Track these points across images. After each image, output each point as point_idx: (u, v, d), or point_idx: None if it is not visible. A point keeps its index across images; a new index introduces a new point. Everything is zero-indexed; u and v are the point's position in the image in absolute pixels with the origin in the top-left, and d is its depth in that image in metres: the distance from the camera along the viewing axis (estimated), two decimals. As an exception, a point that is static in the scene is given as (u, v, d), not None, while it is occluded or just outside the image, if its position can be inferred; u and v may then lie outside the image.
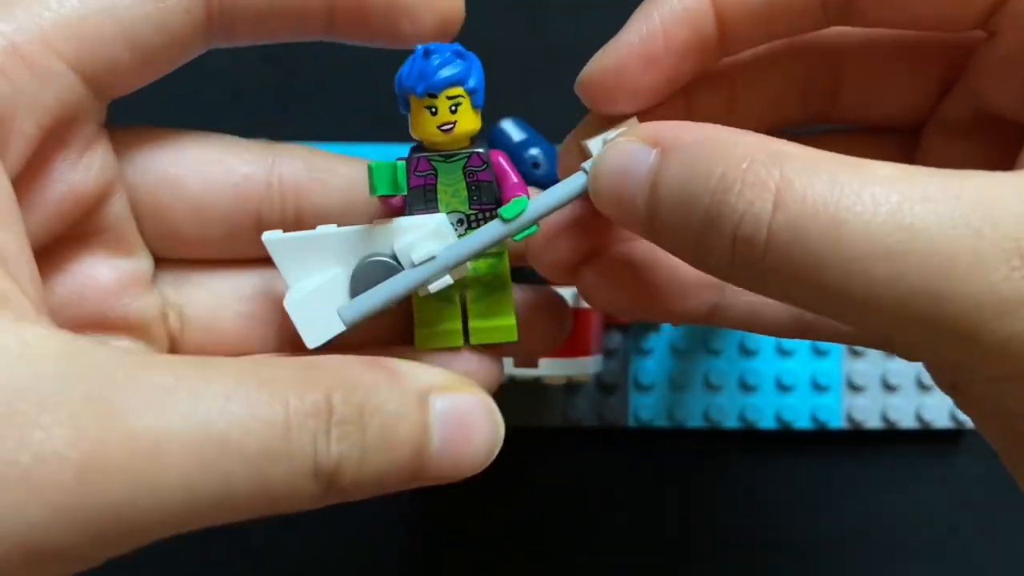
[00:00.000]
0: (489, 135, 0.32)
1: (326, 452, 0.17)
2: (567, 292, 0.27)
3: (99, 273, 0.22)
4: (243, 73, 0.38)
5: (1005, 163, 0.18)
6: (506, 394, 0.37)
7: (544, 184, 0.31)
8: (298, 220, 0.23)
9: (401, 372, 0.19)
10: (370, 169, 0.21)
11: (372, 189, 0.21)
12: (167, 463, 0.15)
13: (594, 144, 0.21)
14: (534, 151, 0.31)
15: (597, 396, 0.38)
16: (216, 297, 0.24)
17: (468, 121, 0.22)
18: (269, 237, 0.22)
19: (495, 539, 0.38)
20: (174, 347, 0.23)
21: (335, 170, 0.23)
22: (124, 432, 0.15)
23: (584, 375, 0.34)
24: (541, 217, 0.21)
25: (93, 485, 0.15)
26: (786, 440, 0.38)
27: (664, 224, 0.18)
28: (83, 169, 0.21)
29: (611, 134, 0.21)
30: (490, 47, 0.42)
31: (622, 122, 0.21)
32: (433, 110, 0.21)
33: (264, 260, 0.23)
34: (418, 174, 0.22)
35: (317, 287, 0.22)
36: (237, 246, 0.23)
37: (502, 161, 0.23)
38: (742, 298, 0.23)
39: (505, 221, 0.21)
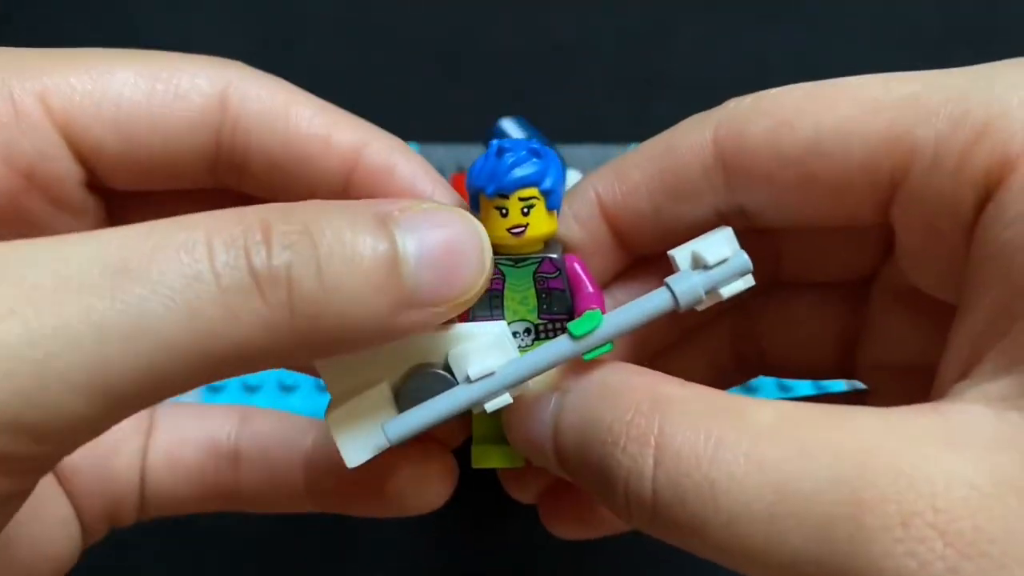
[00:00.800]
0: (489, 134, 0.32)
1: (266, 260, 0.15)
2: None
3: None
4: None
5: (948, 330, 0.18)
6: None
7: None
8: (245, 156, 0.21)
9: (352, 200, 0.17)
10: None
11: None
12: (65, 303, 0.14)
13: (682, 256, 0.19)
14: (534, 151, 0.31)
15: (597, 396, 0.38)
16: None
17: (541, 224, 0.20)
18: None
19: (495, 538, 0.38)
20: None
21: (284, 115, 0.21)
22: (17, 281, 0.14)
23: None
24: (616, 336, 0.19)
25: None
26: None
27: (571, 471, 0.18)
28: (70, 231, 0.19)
29: (701, 243, 0.19)
30: (490, 47, 0.42)
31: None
32: (504, 211, 0.20)
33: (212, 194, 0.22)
34: None
35: (360, 400, 0.20)
36: (187, 173, 0.21)
37: (578, 268, 0.21)
38: None
39: (575, 338, 0.19)
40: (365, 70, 0.37)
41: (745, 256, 0.18)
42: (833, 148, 0.18)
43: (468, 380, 0.19)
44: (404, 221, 0.17)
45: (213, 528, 0.37)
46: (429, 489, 0.22)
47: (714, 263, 0.18)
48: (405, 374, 0.20)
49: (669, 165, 0.20)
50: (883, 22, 0.39)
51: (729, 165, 0.19)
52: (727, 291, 0.18)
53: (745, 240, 0.19)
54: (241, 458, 0.23)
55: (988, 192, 0.16)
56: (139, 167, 0.20)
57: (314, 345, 0.16)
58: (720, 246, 0.19)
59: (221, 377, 0.16)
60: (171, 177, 0.21)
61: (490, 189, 0.19)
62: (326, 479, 0.23)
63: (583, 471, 0.17)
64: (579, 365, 0.19)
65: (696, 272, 0.18)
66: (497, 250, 0.20)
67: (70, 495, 0.22)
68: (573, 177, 0.34)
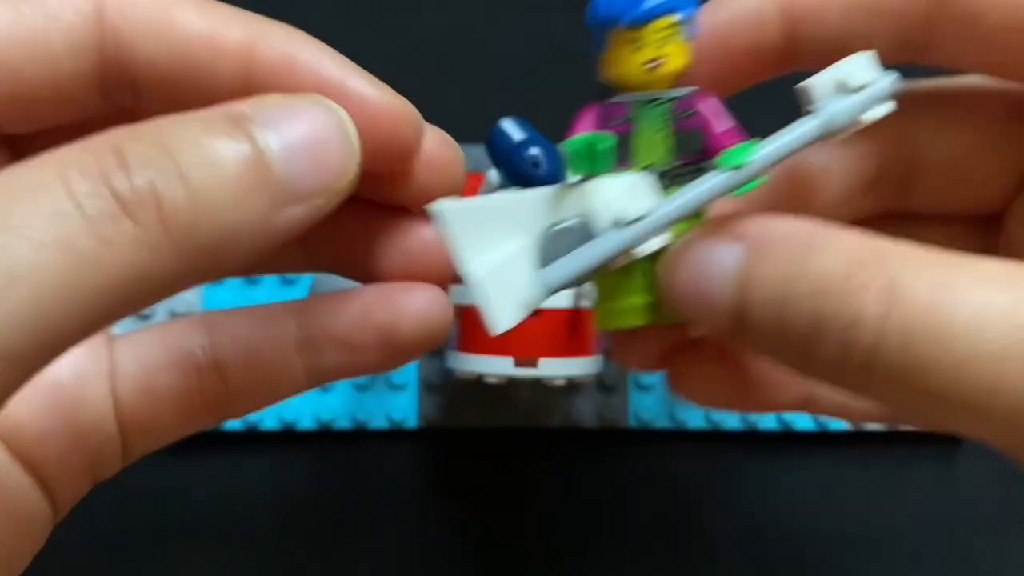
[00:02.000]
0: (489, 134, 0.32)
1: (125, 183, 0.14)
2: (566, 293, 0.26)
3: None
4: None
5: None
6: (506, 394, 0.37)
7: (545, 184, 0.31)
8: (133, 73, 0.20)
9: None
10: (568, 153, 0.19)
11: (568, 171, 0.19)
12: None
13: (822, 83, 0.18)
14: (534, 151, 0.31)
15: (597, 396, 0.38)
16: None
17: (679, 56, 0.19)
18: (441, 207, 0.19)
19: (495, 540, 0.38)
20: None
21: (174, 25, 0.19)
22: None
23: (584, 375, 0.34)
24: (773, 165, 0.18)
25: None
26: (787, 441, 0.38)
27: (757, 329, 0.17)
28: None
29: (841, 68, 0.18)
30: (490, 47, 0.42)
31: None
32: (638, 44, 0.18)
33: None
34: (611, 123, 0.20)
35: (503, 260, 0.18)
36: (78, 97, 0.20)
37: (711, 105, 0.19)
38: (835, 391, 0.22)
39: (733, 169, 0.17)
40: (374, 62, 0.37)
41: (893, 76, 0.18)
42: None
43: (617, 225, 0.18)
44: (260, 117, 0.16)
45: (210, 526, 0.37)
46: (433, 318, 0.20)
47: (858, 86, 0.18)
48: (543, 235, 0.19)
49: None
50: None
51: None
52: (868, 116, 0.18)
53: (882, 162, 0.20)
54: (226, 367, 0.21)
55: None
56: (22, 105, 0.18)
57: (199, 260, 0.15)
58: (862, 70, 0.18)
59: (116, 316, 0.15)
60: (61, 109, 0.19)
61: (626, 18, 0.18)
62: (329, 354, 0.21)
63: (774, 329, 0.17)
64: (739, 215, 0.18)
65: (841, 97, 0.18)
66: (627, 88, 0.19)
67: (39, 465, 0.20)
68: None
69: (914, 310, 0.15)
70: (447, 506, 0.38)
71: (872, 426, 0.37)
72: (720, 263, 0.17)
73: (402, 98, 0.20)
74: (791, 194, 0.22)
